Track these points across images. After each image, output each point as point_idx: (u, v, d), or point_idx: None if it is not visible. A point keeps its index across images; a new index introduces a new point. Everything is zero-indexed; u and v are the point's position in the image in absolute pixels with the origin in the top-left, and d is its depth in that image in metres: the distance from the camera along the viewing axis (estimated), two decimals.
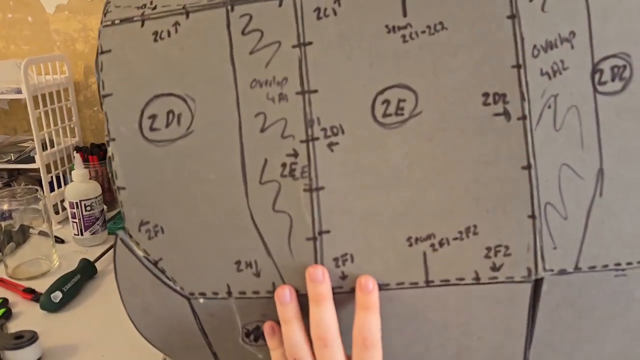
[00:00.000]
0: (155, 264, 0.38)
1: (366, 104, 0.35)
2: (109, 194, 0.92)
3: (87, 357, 0.55)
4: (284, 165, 0.36)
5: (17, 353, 0.52)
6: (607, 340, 0.36)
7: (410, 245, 0.35)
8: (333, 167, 0.35)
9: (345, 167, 0.35)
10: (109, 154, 0.39)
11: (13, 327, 0.60)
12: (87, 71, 0.94)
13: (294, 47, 0.36)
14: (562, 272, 0.34)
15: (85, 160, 0.91)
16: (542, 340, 0.36)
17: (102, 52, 0.39)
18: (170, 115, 0.37)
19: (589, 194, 0.34)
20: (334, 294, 0.35)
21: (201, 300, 0.38)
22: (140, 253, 0.38)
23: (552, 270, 0.34)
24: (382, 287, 0.35)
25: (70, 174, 0.91)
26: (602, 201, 0.34)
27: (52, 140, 0.89)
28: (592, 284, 0.35)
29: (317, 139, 0.35)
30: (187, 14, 0.38)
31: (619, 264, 0.35)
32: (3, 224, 0.72)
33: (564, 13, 0.34)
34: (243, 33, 0.36)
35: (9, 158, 0.86)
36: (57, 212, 0.90)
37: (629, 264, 0.35)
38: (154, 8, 0.39)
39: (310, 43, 0.36)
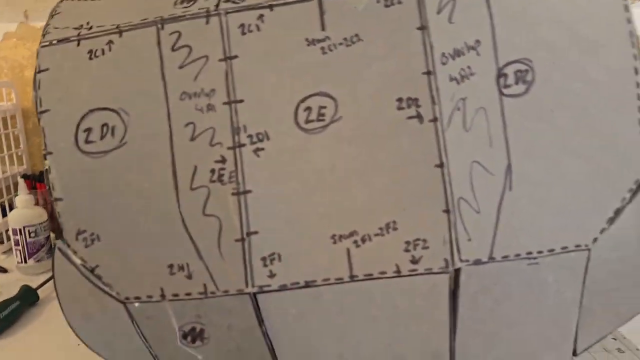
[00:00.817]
0: (92, 270, 0.42)
1: (289, 111, 0.40)
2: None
3: None
4: (212, 171, 0.40)
5: None
6: (526, 325, 0.41)
7: (335, 242, 0.39)
8: (259, 171, 0.40)
9: (271, 171, 0.40)
10: (46, 167, 0.43)
11: None
12: None
13: (220, 60, 0.41)
14: (478, 262, 0.39)
15: (32, 188, 0.94)
16: (465, 328, 0.41)
17: (40, 71, 0.44)
18: (105, 128, 0.42)
19: (499, 188, 0.40)
20: (261, 292, 0.39)
21: (136, 304, 0.41)
22: (78, 261, 0.42)
23: (467, 261, 0.39)
24: (308, 284, 0.39)
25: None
26: (512, 195, 0.40)
27: None
28: (506, 272, 0.40)
29: (244, 145, 0.40)
30: (120, 32, 0.43)
31: (530, 253, 0.40)
32: None
33: (469, 23, 0.40)
34: (173, 49, 0.41)
35: None
36: (1, 242, 0.92)
37: (539, 252, 0.40)
38: (90, 28, 0.44)
39: (235, 57, 0.41)
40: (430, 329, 0.41)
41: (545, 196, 0.40)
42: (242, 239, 0.40)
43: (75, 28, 0.45)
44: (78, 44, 0.43)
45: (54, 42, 0.44)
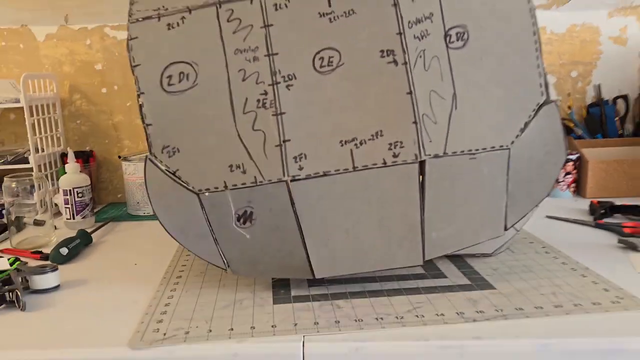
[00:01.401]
0: (173, 173, 0.61)
1: (309, 60, 0.60)
2: (94, 193, 1.12)
3: (97, 287, 0.74)
4: (258, 100, 0.60)
5: (43, 277, 0.71)
6: (471, 205, 0.61)
7: (342, 145, 0.59)
8: (290, 99, 0.59)
9: (298, 99, 0.59)
10: (140, 102, 0.61)
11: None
12: (71, 89, 1.15)
13: (261, 27, 0.61)
14: (436, 156, 0.59)
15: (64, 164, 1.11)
16: (430, 206, 0.60)
17: (131, 39, 0.63)
18: (181, 75, 0.61)
19: (448, 107, 0.60)
20: (294, 180, 0.58)
21: (207, 194, 0.60)
22: (163, 167, 0.61)
23: (429, 155, 0.59)
24: (325, 173, 0.59)
25: (56, 178, 1.11)
26: (457, 112, 0.60)
27: (39, 148, 1.08)
28: (455, 163, 0.60)
29: (279, 83, 0.60)
30: (190, 11, 0.62)
31: (470, 150, 0.60)
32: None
33: (425, 1, 0.61)
34: (228, 20, 0.61)
35: (5, 159, 1.05)
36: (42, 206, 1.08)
37: (476, 150, 0.60)
38: (166, 9, 0.63)
39: (272, 25, 0.61)
40: (407, 206, 0.60)
41: (478, 113, 0.61)
42: (280, 145, 0.59)
43: (154, 10, 0.64)
44: (159, 20, 0.63)
45: (140, 19, 0.64)
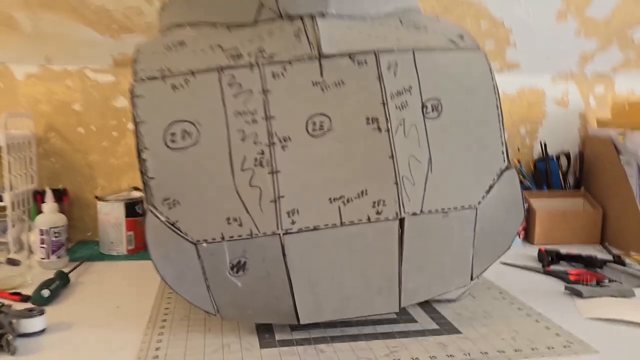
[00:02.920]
0: (172, 224, 0.65)
1: (302, 124, 0.66)
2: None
3: (83, 330, 0.75)
4: (255, 159, 0.65)
5: (30, 321, 0.72)
6: (443, 257, 0.68)
7: (331, 202, 0.65)
8: (285, 159, 0.65)
9: (292, 159, 0.65)
10: (143, 157, 0.66)
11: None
12: (47, 128, 1.16)
13: (259, 93, 0.67)
14: (414, 214, 0.66)
15: (42, 201, 1.12)
16: (407, 258, 0.67)
17: (136, 96, 0.67)
18: (184, 133, 0.66)
19: (425, 170, 0.68)
20: (286, 233, 0.64)
21: (204, 245, 0.65)
22: (163, 218, 0.65)
23: (408, 213, 0.66)
24: (316, 227, 0.65)
25: (29, 216, 1.11)
26: (432, 175, 0.68)
27: (11, 186, 1.08)
28: (431, 220, 0.67)
29: (275, 144, 0.66)
30: (194, 74, 0.67)
31: (443, 209, 0.67)
32: None
33: (405, 76, 0.69)
34: (229, 85, 0.67)
35: None
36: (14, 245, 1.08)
37: (449, 209, 0.68)
38: (170, 71, 0.68)
39: (269, 91, 0.67)
40: (387, 258, 0.67)
41: (450, 176, 0.69)
42: (275, 201, 0.65)
43: (158, 70, 0.69)
44: (164, 81, 0.68)
45: (144, 78, 0.68)
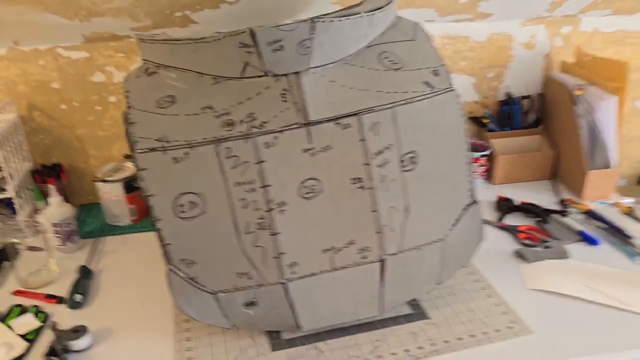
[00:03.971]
0: (192, 279, 0.77)
1: (296, 189, 0.75)
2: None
3: (120, 334, 0.91)
4: (257, 223, 0.75)
5: (79, 342, 0.87)
6: (416, 276, 0.83)
7: (324, 253, 0.78)
8: (283, 222, 0.75)
9: (289, 221, 0.76)
10: (158, 227, 0.75)
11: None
12: (30, 107, 1.18)
13: (255, 163, 0.74)
14: (393, 254, 0.79)
15: (44, 182, 1.19)
16: (388, 282, 0.82)
17: (141, 169, 0.74)
18: (191, 204, 0.74)
19: (403, 217, 0.79)
20: (288, 281, 0.77)
21: (221, 295, 0.78)
22: (182, 275, 0.76)
23: (388, 254, 0.79)
24: (313, 274, 0.78)
25: (33, 190, 1.19)
26: (408, 220, 0.79)
27: (14, 167, 1.14)
28: (407, 257, 0.81)
29: (273, 209, 0.75)
30: (192, 147, 0.73)
31: (417, 246, 0.81)
32: None
33: (386, 135, 0.76)
34: (226, 157, 0.73)
35: None
36: (28, 227, 1.18)
37: (422, 245, 0.81)
38: (169, 142, 0.74)
39: (264, 161, 0.74)
40: (372, 286, 0.82)
41: (423, 218, 0.80)
42: (277, 257, 0.76)
43: (157, 140, 0.74)
44: (165, 153, 0.74)
45: (146, 150, 0.74)
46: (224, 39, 0.73)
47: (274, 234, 0.76)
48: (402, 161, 0.78)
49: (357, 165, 0.76)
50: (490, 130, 1.38)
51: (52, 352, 0.84)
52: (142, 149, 0.74)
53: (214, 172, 0.74)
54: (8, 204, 1.14)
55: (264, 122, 0.74)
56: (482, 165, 1.34)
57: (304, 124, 0.74)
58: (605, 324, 0.89)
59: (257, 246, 0.76)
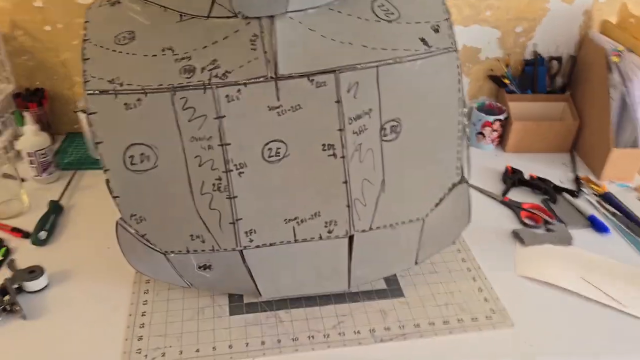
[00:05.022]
0: (142, 236, 0.71)
1: (258, 150, 0.67)
2: (49, 132, 1.17)
3: (79, 277, 0.88)
4: (213, 184, 0.68)
5: (33, 283, 0.84)
6: (390, 254, 0.76)
7: (286, 223, 0.71)
8: (242, 185, 0.68)
9: (249, 185, 0.68)
10: (107, 177, 0.68)
11: (15, 259, 0.90)
12: (11, 24, 1.10)
13: (214, 118, 0.66)
14: (363, 231, 0.72)
15: (25, 108, 1.14)
16: (355, 258, 0.75)
17: (91, 113, 0.67)
18: (142, 156, 0.68)
19: (377, 192, 0.71)
20: (245, 249, 0.71)
21: (172, 255, 0.72)
22: (133, 231, 0.71)
23: (358, 230, 0.72)
24: (272, 244, 0.71)
25: (15, 114, 1.14)
26: (384, 195, 0.71)
27: None
28: (378, 234, 0.73)
29: (232, 170, 0.68)
30: (145, 93, 0.66)
31: (391, 224, 0.73)
32: None
33: (366, 98, 0.67)
34: (183, 109, 0.66)
35: None
36: (7, 152, 1.14)
37: (396, 223, 0.73)
38: (121, 85, 0.66)
39: (224, 116, 0.66)
40: (337, 262, 0.75)
41: (401, 194, 0.72)
42: (233, 223, 0.70)
43: (109, 81, 0.66)
44: (115, 97, 0.66)
45: (97, 92, 0.66)
46: None
47: (230, 198, 0.69)
48: (382, 129, 0.69)
49: (330, 130, 0.67)
50: (510, 92, 1.25)
51: (3, 291, 0.82)
52: (92, 90, 0.66)
53: (168, 124, 0.66)
54: None
55: (227, 72, 0.65)
56: (494, 131, 1.22)
57: (272, 77, 0.65)
58: (597, 325, 0.81)
59: (212, 209, 0.69)
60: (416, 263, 0.81)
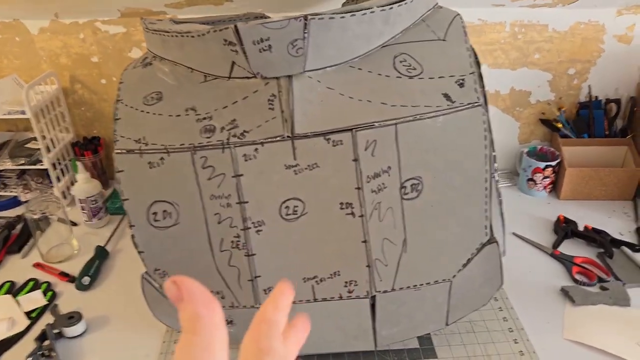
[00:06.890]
0: None
1: (276, 208, 0.67)
2: (103, 177, 1.23)
3: (116, 323, 0.91)
4: (232, 242, 0.69)
5: (72, 329, 0.87)
6: (416, 315, 0.73)
7: (305, 281, 0.69)
8: (260, 243, 0.68)
9: (267, 243, 0.68)
10: (132, 233, 0.71)
11: (59, 303, 0.94)
12: (72, 79, 1.19)
13: (232, 177, 0.67)
14: (385, 292, 0.70)
15: (81, 155, 1.21)
16: (380, 320, 0.72)
17: (119, 171, 0.69)
18: (165, 213, 0.69)
19: (399, 252, 0.68)
20: None
21: None
22: (156, 285, 0.72)
23: (379, 291, 0.69)
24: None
25: (72, 162, 1.22)
26: (406, 255, 0.69)
27: (52, 139, 1.17)
28: (401, 295, 0.71)
29: (249, 228, 0.68)
30: (168, 152, 0.67)
31: (415, 285, 0.70)
32: (26, 213, 1.03)
33: (384, 156, 0.65)
34: (203, 167, 0.67)
35: (22, 162, 1.15)
36: (65, 197, 1.21)
37: (421, 284, 0.70)
38: (146, 144, 0.68)
39: (242, 175, 0.66)
40: (361, 321, 0.73)
41: (425, 255, 0.69)
42: (252, 280, 0.70)
43: (136, 141, 0.69)
44: (141, 156, 0.69)
45: (124, 151, 0.69)
46: (208, 35, 0.66)
47: (249, 255, 0.69)
48: (403, 187, 0.67)
49: (348, 189, 0.66)
50: (564, 136, 1.19)
51: (43, 336, 0.86)
52: (120, 150, 0.69)
53: (189, 182, 0.68)
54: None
55: (245, 131, 0.66)
56: (546, 177, 1.16)
57: (289, 137, 0.65)
58: None
59: (231, 266, 0.70)
60: (447, 324, 0.77)
